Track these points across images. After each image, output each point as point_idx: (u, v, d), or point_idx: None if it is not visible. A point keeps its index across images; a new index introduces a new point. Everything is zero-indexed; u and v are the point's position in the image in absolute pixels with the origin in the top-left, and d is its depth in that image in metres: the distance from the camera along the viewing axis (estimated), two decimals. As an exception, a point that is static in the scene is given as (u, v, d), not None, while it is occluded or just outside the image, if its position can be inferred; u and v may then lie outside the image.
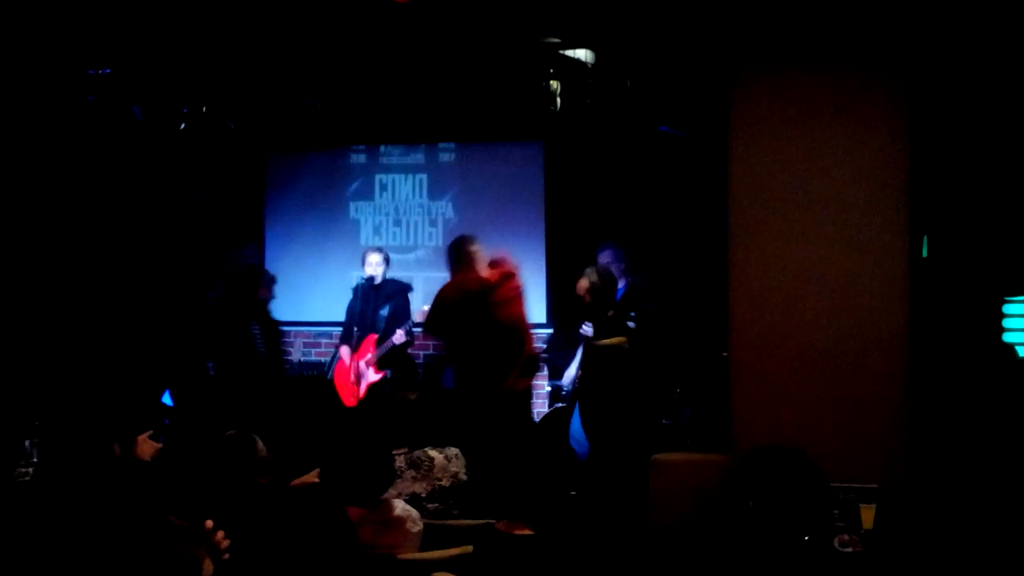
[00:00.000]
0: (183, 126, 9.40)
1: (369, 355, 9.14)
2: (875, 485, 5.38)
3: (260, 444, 4.88)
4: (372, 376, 9.12)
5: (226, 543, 3.32)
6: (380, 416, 6.73)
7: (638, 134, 9.68)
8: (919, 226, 5.90)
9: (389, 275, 9.67)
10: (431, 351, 10.68)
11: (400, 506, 5.10)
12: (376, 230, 10.99)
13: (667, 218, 10.06)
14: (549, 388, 9.77)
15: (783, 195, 5.92)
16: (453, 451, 5.91)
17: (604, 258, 9.03)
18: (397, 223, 10.95)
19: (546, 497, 4.54)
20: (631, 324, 8.76)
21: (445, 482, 5.74)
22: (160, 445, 5.89)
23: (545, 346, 10.13)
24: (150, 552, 3.33)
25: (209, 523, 3.32)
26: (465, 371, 8.07)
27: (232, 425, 5.07)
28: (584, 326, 8.84)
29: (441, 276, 10.67)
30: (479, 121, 9.77)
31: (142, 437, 5.95)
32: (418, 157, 10.92)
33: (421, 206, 10.88)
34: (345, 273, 10.34)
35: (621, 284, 9.01)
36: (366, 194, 11.06)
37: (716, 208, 6.34)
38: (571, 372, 9.07)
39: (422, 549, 5.05)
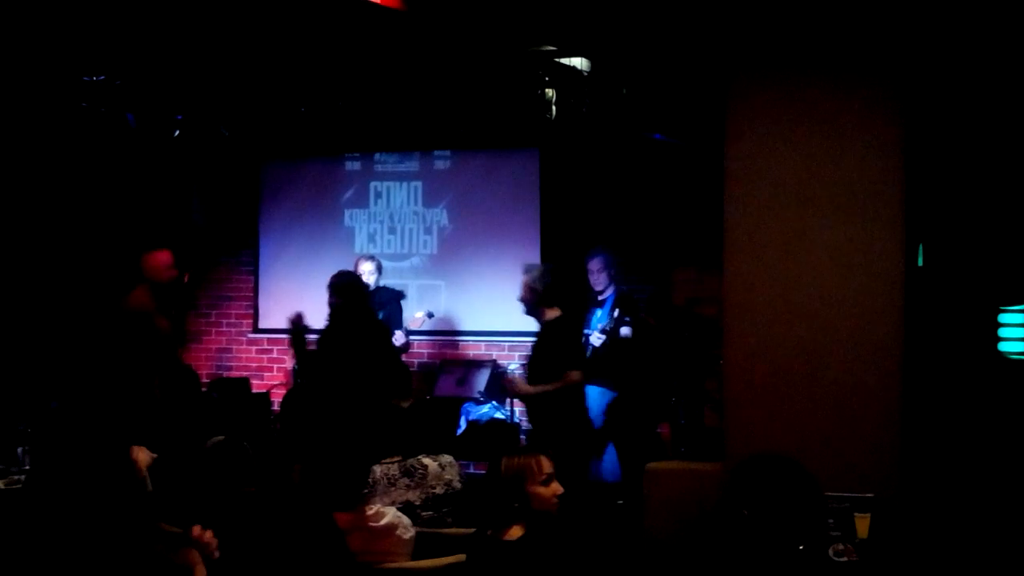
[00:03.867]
0: (177, 133, 9.39)
1: (362, 363, 9.12)
2: (870, 494, 5.37)
3: (249, 449, 4.87)
4: (365, 383, 9.09)
5: (215, 542, 3.30)
6: (371, 423, 6.71)
7: (633, 142, 9.68)
8: (915, 235, 5.90)
9: (382, 283, 9.66)
10: (425, 359, 10.67)
11: (391, 513, 5.08)
12: (371, 238, 10.98)
13: (663, 225, 10.06)
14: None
15: (778, 203, 5.92)
16: (447, 459, 5.89)
17: (595, 264, 9.04)
18: (392, 231, 10.94)
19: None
20: (626, 330, 8.78)
21: (439, 490, 5.72)
22: (155, 455, 5.89)
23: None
24: (143, 559, 3.32)
25: (196, 528, 3.30)
26: None
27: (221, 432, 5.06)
28: (597, 335, 8.85)
29: (436, 283, 10.70)
30: (474, 129, 9.77)
31: (137, 447, 5.94)
32: (413, 164, 10.92)
33: (416, 214, 10.87)
34: (339, 281, 10.33)
35: (611, 290, 9.03)
36: (361, 202, 11.05)
37: (711, 216, 6.34)
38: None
39: (415, 557, 5.04)
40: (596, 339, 8.79)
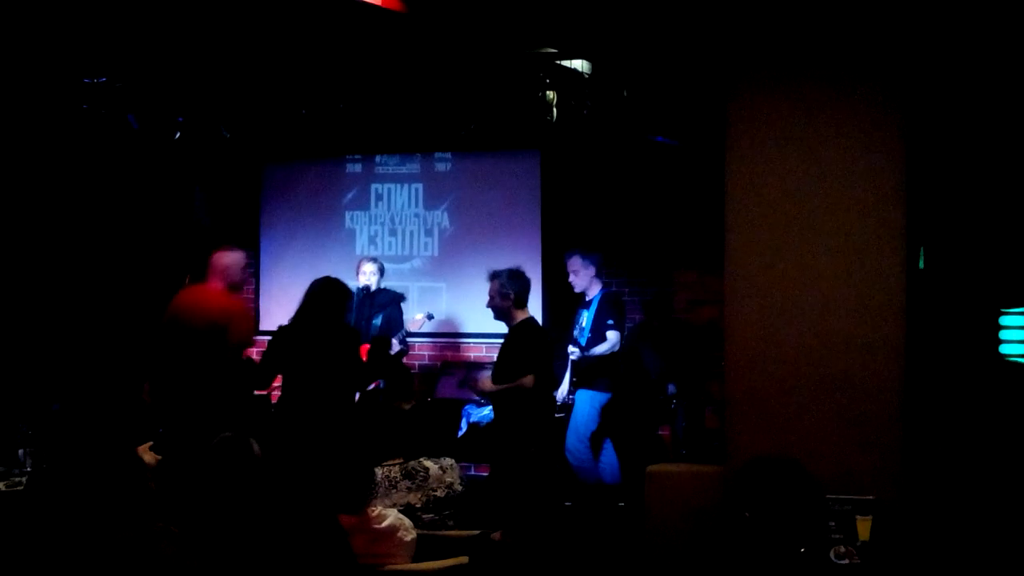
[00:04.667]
0: (178, 135, 9.40)
1: (363, 365, 9.12)
2: (872, 497, 5.37)
3: (256, 446, 4.87)
4: (366, 386, 9.08)
5: None
6: (372, 425, 6.71)
7: (635, 144, 9.68)
8: (916, 238, 5.89)
9: (383, 284, 9.66)
10: (426, 360, 10.67)
11: (393, 515, 5.08)
12: (372, 240, 10.98)
13: (664, 227, 10.06)
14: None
15: (779, 206, 5.91)
16: (448, 461, 5.90)
17: (570, 265, 9.05)
18: (393, 233, 10.94)
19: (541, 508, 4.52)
20: (612, 332, 8.79)
21: (440, 492, 5.72)
22: (160, 457, 5.89)
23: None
24: (146, 558, 3.32)
25: None
26: None
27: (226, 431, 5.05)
28: (571, 349, 8.87)
29: (437, 286, 10.70)
30: (475, 131, 9.78)
31: (142, 448, 5.95)
32: (414, 167, 10.92)
33: (417, 216, 10.87)
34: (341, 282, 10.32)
35: (597, 290, 9.03)
36: (362, 204, 11.05)
37: (712, 217, 6.35)
38: (564, 385, 9.08)
39: (416, 560, 5.04)
40: (573, 355, 8.86)
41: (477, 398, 9.52)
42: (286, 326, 7.37)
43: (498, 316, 7.47)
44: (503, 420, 7.37)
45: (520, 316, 7.39)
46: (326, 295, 7.43)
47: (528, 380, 7.19)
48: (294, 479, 5.42)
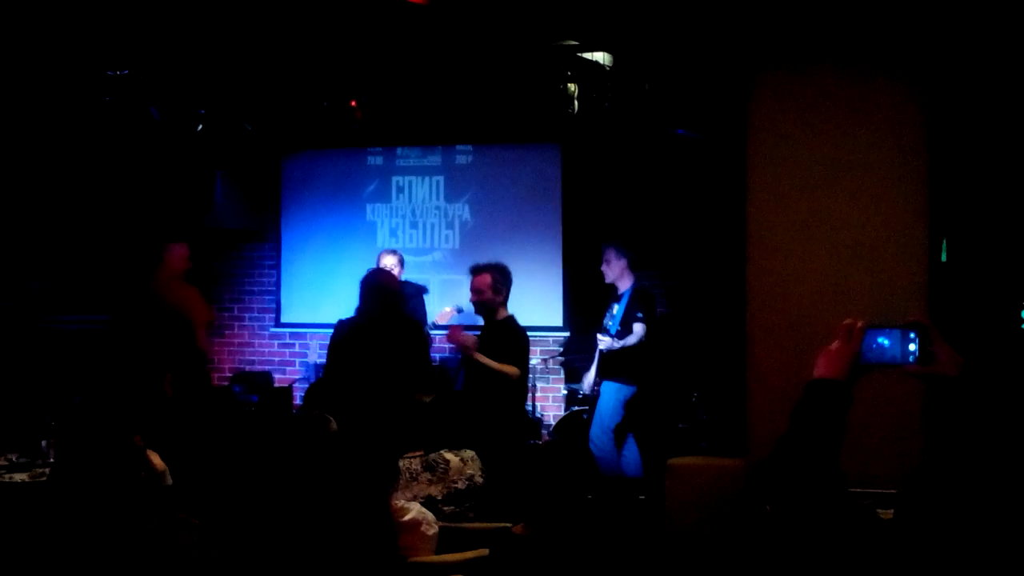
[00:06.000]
0: (200, 127, 9.42)
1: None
2: (893, 491, 5.34)
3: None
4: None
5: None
6: (393, 418, 6.70)
7: (656, 137, 9.67)
8: (938, 230, 5.86)
9: (404, 277, 9.67)
10: (447, 353, 10.67)
11: (416, 508, 5.08)
12: (393, 232, 10.99)
13: (684, 221, 10.04)
14: (566, 391, 9.76)
15: (801, 199, 5.89)
16: (469, 454, 5.89)
17: (607, 254, 9.05)
18: (414, 225, 10.95)
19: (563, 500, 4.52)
20: (639, 324, 8.78)
21: (460, 485, 5.72)
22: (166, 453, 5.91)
23: (562, 349, 10.13)
24: (160, 546, 3.34)
25: None
26: None
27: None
28: (600, 338, 8.86)
29: (458, 278, 10.70)
30: (496, 123, 9.77)
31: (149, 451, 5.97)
32: (435, 159, 10.92)
33: (438, 208, 10.88)
34: (361, 275, 10.33)
35: (628, 284, 9.02)
36: (383, 196, 11.06)
37: (733, 211, 6.33)
38: (590, 376, 9.08)
39: (437, 552, 5.04)
40: (602, 344, 8.84)
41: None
42: (351, 319, 7.41)
43: (482, 311, 7.39)
44: (482, 411, 7.21)
45: (504, 313, 7.36)
46: (391, 287, 7.47)
47: (516, 371, 7.16)
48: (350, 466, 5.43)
